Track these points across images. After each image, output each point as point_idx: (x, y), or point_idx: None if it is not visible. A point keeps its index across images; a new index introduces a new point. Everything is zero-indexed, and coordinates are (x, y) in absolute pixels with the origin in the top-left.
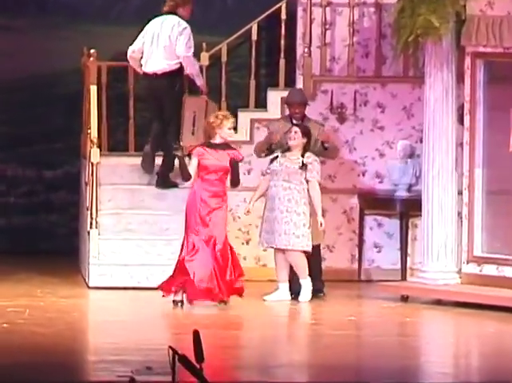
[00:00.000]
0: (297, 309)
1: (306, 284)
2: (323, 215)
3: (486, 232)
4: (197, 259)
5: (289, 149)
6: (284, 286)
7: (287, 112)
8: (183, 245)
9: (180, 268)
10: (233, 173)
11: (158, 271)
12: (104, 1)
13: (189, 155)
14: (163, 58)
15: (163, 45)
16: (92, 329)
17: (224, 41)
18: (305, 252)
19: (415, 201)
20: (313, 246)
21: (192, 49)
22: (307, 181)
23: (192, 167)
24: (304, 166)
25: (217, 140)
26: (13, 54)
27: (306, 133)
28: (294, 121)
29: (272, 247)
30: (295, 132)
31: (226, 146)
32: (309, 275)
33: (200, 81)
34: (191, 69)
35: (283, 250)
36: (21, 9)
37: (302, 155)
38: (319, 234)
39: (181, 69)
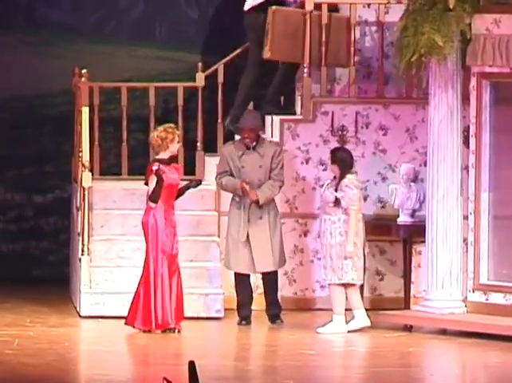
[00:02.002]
0: (296, 338)
1: (335, 319)
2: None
3: (492, 259)
4: None
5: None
6: (337, 318)
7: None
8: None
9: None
10: (183, 188)
11: None
12: (96, 19)
13: (157, 175)
14: None
15: None
16: (83, 360)
17: (221, 61)
18: (344, 285)
19: (418, 227)
20: (270, 273)
21: None
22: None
23: (158, 186)
24: (337, 200)
25: (166, 154)
26: (1, 72)
27: (337, 160)
28: (249, 144)
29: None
30: (329, 159)
31: (171, 160)
32: (266, 301)
33: None
34: None
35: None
36: (9, 25)
37: (338, 183)
38: (267, 260)
39: None
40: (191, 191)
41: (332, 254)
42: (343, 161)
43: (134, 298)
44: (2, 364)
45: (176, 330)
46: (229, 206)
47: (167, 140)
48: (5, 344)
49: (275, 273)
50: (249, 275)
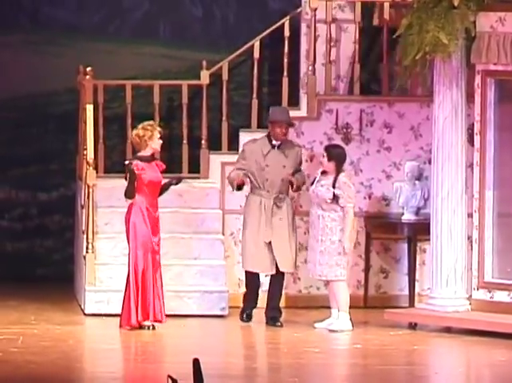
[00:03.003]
0: (300, 336)
1: (342, 317)
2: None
3: (497, 257)
4: None
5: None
6: (344, 316)
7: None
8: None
9: None
10: (165, 185)
11: None
12: (100, 17)
13: (128, 170)
14: None
15: None
16: (88, 357)
17: (225, 59)
18: (332, 281)
19: (423, 224)
20: (279, 274)
21: None
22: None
23: (131, 182)
24: (335, 197)
25: (147, 151)
26: (5, 71)
27: (334, 157)
28: (274, 142)
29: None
30: (323, 156)
31: (153, 157)
32: (267, 303)
33: None
34: None
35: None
36: (13, 24)
37: (335, 180)
38: (288, 261)
39: None
40: (172, 188)
41: (332, 250)
42: (339, 158)
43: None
44: (7, 362)
45: (151, 326)
46: (245, 205)
47: (145, 138)
48: (9, 342)
49: (284, 276)
50: (259, 274)
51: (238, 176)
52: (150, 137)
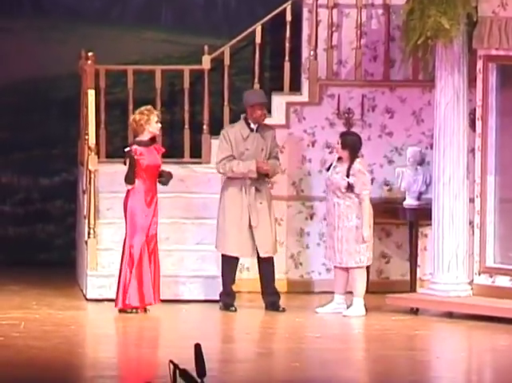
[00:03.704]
0: (302, 321)
1: (356, 302)
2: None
3: (498, 242)
4: None
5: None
6: (359, 301)
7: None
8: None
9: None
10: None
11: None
12: (103, 2)
13: (128, 156)
14: None
15: None
16: (89, 343)
17: (227, 44)
18: (352, 267)
19: (424, 210)
20: (269, 257)
21: None
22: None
23: (131, 167)
24: (350, 186)
25: (145, 136)
26: (8, 57)
27: (348, 144)
28: (252, 126)
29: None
30: (337, 143)
31: (152, 141)
32: (263, 288)
33: None
34: None
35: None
36: (15, 10)
37: (349, 168)
38: (270, 245)
39: None
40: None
41: (350, 237)
42: (354, 146)
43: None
44: (9, 346)
45: (145, 309)
46: (224, 189)
47: (142, 122)
48: (11, 327)
49: (273, 259)
50: (238, 259)
51: (249, 165)
52: (146, 121)
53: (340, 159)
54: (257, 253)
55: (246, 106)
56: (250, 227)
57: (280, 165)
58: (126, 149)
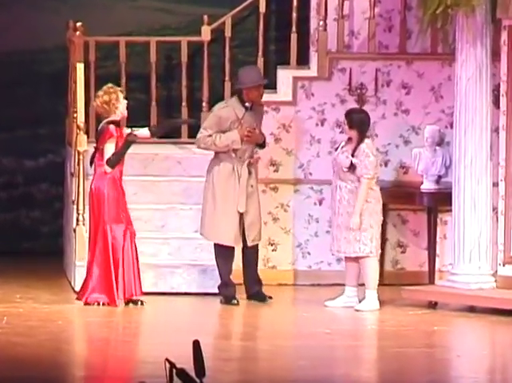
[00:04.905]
0: (310, 316)
1: (368, 295)
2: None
3: None
4: None
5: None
6: (372, 294)
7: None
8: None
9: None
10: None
11: (153, 274)
12: None
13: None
14: None
15: None
16: (78, 339)
17: (228, 14)
18: (359, 257)
19: (444, 194)
20: (253, 246)
21: None
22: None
23: (122, 151)
24: (352, 166)
25: (117, 116)
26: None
27: (355, 123)
28: (247, 104)
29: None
30: (344, 123)
31: (122, 122)
32: (247, 277)
33: None
34: None
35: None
36: None
37: (355, 148)
38: (257, 232)
39: None
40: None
41: (349, 224)
42: (362, 125)
43: (88, 271)
44: None
45: (139, 302)
46: (212, 171)
47: (113, 101)
48: None
49: (257, 246)
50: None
51: (231, 135)
52: (117, 99)
53: (349, 139)
54: (244, 240)
55: (241, 87)
56: (240, 212)
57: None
58: (128, 131)
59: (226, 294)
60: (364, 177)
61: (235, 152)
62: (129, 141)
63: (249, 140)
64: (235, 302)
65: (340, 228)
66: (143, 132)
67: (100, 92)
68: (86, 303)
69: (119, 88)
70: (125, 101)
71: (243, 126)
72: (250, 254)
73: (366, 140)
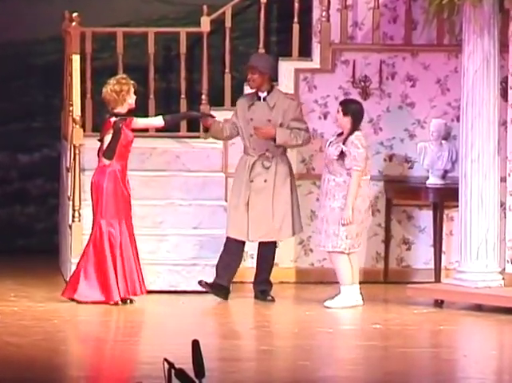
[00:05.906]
0: (312, 315)
1: (342, 291)
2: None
3: None
4: None
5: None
6: (345, 289)
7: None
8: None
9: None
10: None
11: (150, 271)
12: None
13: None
14: None
15: None
16: (74, 339)
17: (228, 4)
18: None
19: (450, 190)
20: (267, 243)
21: None
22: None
23: (115, 140)
24: (342, 154)
25: (124, 108)
26: None
27: (350, 111)
28: (260, 93)
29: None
30: (337, 112)
31: (129, 114)
32: (256, 275)
33: None
34: None
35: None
36: None
37: (346, 138)
38: (274, 230)
39: None
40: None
41: (329, 218)
42: (356, 113)
43: (78, 267)
44: None
45: (128, 301)
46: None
47: (123, 93)
48: None
49: (275, 244)
50: (244, 244)
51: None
52: (128, 91)
53: (340, 134)
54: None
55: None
56: (247, 205)
57: (307, 137)
58: (112, 119)
59: (215, 291)
60: (354, 169)
61: (250, 144)
62: (117, 131)
63: (257, 134)
64: (223, 296)
65: (321, 221)
66: (156, 121)
67: (112, 81)
68: (72, 299)
69: (132, 82)
70: (134, 96)
71: (251, 117)
72: (262, 252)
73: (356, 132)
